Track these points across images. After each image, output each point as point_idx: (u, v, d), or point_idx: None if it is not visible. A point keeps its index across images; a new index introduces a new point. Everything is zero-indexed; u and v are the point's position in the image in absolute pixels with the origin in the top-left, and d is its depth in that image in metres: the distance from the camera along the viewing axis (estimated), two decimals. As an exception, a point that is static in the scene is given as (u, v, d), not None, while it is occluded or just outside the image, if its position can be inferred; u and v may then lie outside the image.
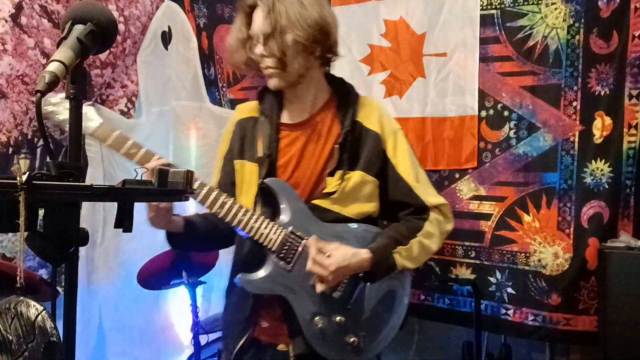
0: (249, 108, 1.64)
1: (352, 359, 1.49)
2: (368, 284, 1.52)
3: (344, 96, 1.57)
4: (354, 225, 1.53)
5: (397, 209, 1.58)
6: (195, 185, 1.41)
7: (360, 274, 1.49)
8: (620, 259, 1.96)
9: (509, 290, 2.38)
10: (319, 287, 1.42)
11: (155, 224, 1.46)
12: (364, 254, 1.45)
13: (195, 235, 1.56)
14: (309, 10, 1.41)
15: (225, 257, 2.91)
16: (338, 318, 1.47)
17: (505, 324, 2.39)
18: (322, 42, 1.46)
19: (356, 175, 1.50)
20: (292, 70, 1.45)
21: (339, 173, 1.49)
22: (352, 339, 1.48)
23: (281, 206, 1.48)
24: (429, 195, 1.56)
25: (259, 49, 1.45)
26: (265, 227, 1.44)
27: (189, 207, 2.35)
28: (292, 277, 1.46)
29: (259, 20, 1.44)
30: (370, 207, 1.54)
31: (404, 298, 1.59)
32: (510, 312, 2.37)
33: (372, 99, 1.68)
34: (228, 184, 1.59)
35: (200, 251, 1.67)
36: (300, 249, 1.46)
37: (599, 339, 2.04)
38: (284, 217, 1.48)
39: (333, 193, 1.49)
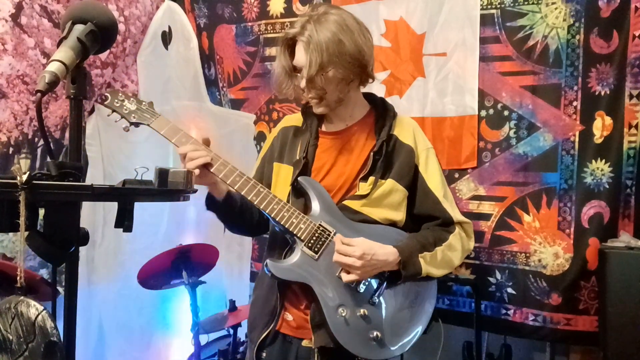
0: (294, 118, 1.74)
1: (375, 353, 1.51)
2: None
3: (382, 112, 1.65)
4: (383, 227, 1.57)
5: (423, 222, 1.63)
6: (235, 174, 1.51)
7: (385, 274, 1.52)
8: (621, 259, 1.96)
9: (509, 290, 2.38)
10: (346, 277, 1.46)
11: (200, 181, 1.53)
12: (391, 249, 1.49)
13: (231, 208, 1.63)
14: (346, 46, 1.47)
15: (225, 257, 2.92)
16: (362, 311, 1.50)
17: (506, 324, 2.39)
18: (359, 73, 1.54)
19: (388, 183, 1.56)
20: (332, 99, 1.55)
21: (371, 179, 1.55)
22: (375, 334, 1.49)
23: (312, 203, 1.55)
24: (455, 212, 1.62)
25: (302, 84, 1.53)
26: (296, 218, 1.50)
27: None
28: (319, 267, 1.50)
29: (301, 54, 1.51)
30: (396, 215, 1.58)
31: (429, 301, 1.60)
32: (511, 312, 2.37)
33: (409, 117, 1.74)
34: (263, 184, 1.65)
35: (228, 225, 1.77)
36: (328, 241, 1.51)
37: (599, 339, 2.04)
38: (315, 212, 1.54)
39: (364, 196, 1.54)
